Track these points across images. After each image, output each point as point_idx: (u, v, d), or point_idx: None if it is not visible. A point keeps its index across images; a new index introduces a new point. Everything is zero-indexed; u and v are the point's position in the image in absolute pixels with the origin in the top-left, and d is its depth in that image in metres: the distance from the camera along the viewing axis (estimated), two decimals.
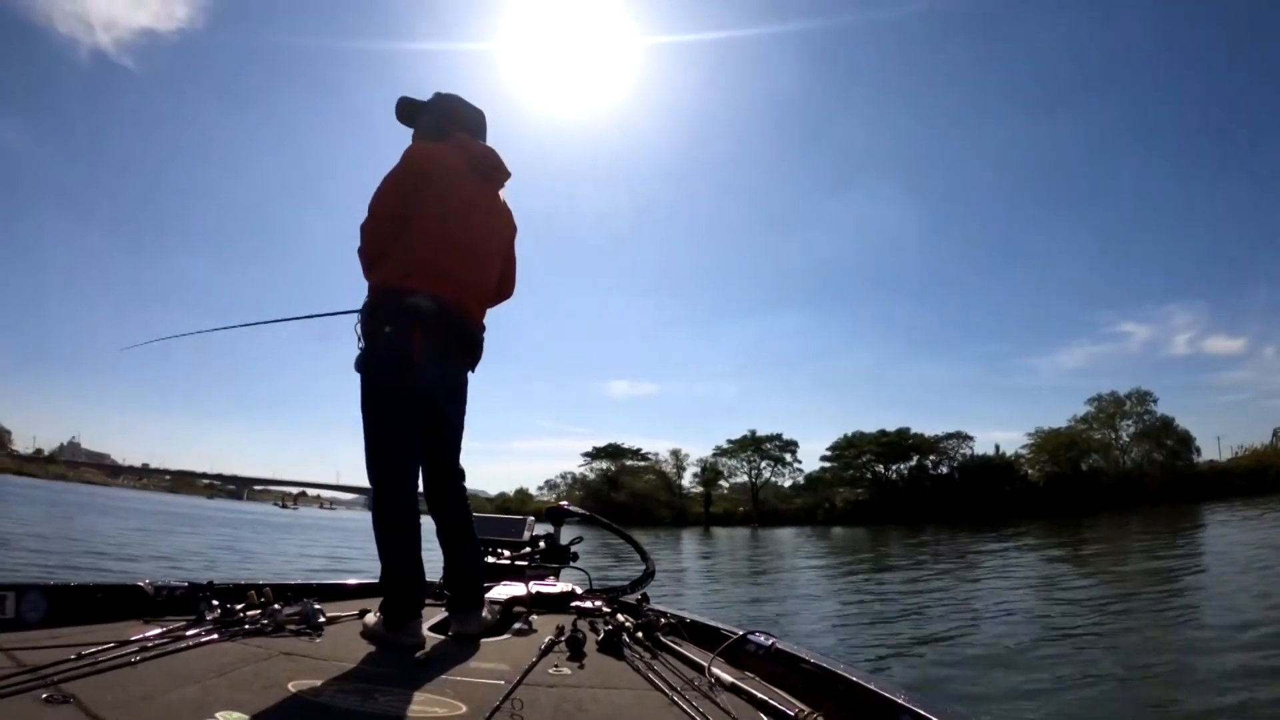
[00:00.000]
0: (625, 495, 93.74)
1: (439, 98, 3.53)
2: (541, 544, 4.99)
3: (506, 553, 4.93)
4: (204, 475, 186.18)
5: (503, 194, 3.61)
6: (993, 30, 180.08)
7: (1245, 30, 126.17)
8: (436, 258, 3.15)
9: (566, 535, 5.04)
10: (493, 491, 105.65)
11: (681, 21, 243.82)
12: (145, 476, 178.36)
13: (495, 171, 3.51)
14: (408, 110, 3.54)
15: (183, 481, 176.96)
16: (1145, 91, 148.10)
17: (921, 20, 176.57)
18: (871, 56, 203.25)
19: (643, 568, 4.72)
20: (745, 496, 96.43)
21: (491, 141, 3.61)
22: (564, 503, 5.14)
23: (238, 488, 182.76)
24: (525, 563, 4.79)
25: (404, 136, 3.53)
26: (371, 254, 3.26)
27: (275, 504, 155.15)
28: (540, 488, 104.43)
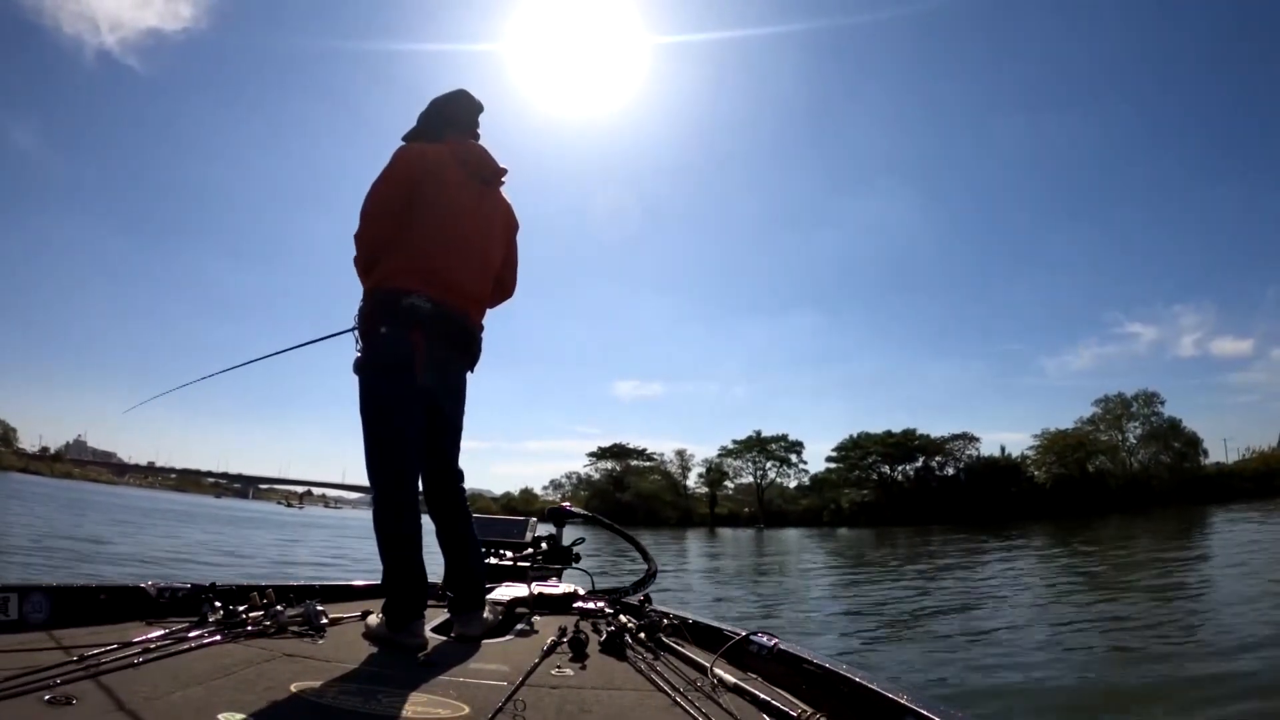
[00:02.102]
0: (630, 496, 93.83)
1: (431, 102, 3.54)
2: (544, 545, 5.00)
3: (509, 554, 4.94)
4: (210, 474, 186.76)
5: (504, 190, 3.61)
6: (1002, 31, 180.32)
7: (1257, 31, 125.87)
8: (431, 259, 3.15)
9: (568, 536, 5.04)
10: (498, 491, 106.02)
11: (689, 21, 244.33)
12: (151, 475, 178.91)
13: (487, 170, 3.49)
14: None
15: (188, 480, 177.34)
16: (1155, 91, 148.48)
17: (932, 19, 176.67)
18: (882, 55, 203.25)
19: (645, 568, 4.72)
20: (750, 497, 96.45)
21: (498, 142, 3.59)
22: (566, 504, 5.14)
23: (243, 486, 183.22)
24: (527, 564, 4.80)
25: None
26: (367, 261, 3.26)
27: (280, 503, 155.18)
28: (545, 487, 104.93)
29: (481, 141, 3.58)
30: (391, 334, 3.05)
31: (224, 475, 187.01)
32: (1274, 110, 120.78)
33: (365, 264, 3.26)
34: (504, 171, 3.56)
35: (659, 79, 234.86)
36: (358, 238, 3.26)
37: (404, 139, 3.50)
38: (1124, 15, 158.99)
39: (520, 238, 3.71)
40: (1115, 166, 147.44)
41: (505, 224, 3.59)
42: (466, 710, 1.98)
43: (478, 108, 3.59)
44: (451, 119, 3.50)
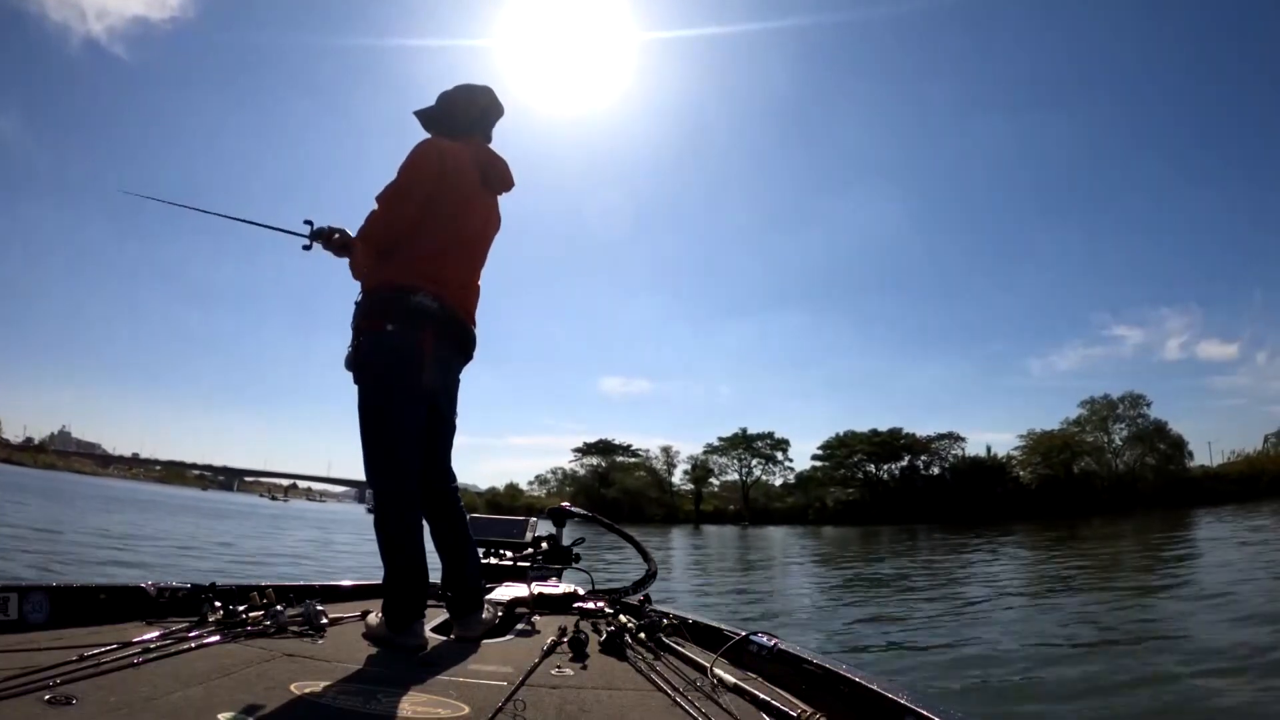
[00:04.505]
0: (616, 492, 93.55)
1: (456, 89, 3.51)
2: (544, 545, 5.00)
3: (509, 554, 4.94)
4: (194, 466, 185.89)
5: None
6: (990, 30, 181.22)
7: (1242, 34, 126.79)
8: (440, 259, 3.15)
9: (568, 536, 5.04)
10: (483, 486, 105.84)
11: (678, 17, 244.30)
12: (135, 467, 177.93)
13: (500, 181, 3.52)
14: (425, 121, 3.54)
15: (173, 472, 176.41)
16: (1141, 93, 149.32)
17: (919, 19, 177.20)
18: (869, 54, 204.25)
19: (645, 568, 4.72)
20: (736, 495, 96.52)
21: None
22: (566, 503, 5.13)
23: (228, 479, 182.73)
24: (527, 564, 4.80)
25: (396, 131, 3.50)
26: (384, 244, 3.15)
27: (263, 495, 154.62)
28: (531, 483, 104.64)
29: (493, 144, 3.59)
30: (400, 332, 3.03)
31: (209, 468, 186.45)
32: (1261, 111, 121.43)
33: (380, 249, 3.15)
34: (512, 186, 3.59)
35: (648, 75, 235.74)
36: (377, 220, 3.14)
37: (416, 115, 3.52)
38: (1110, 15, 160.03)
39: (508, 235, 3.72)
40: (1102, 167, 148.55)
41: (496, 228, 3.60)
42: (466, 710, 1.97)
43: (498, 111, 3.59)
44: (473, 118, 3.51)
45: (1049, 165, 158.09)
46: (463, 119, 3.47)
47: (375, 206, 3.16)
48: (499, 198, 3.60)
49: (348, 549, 24.45)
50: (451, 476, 3.43)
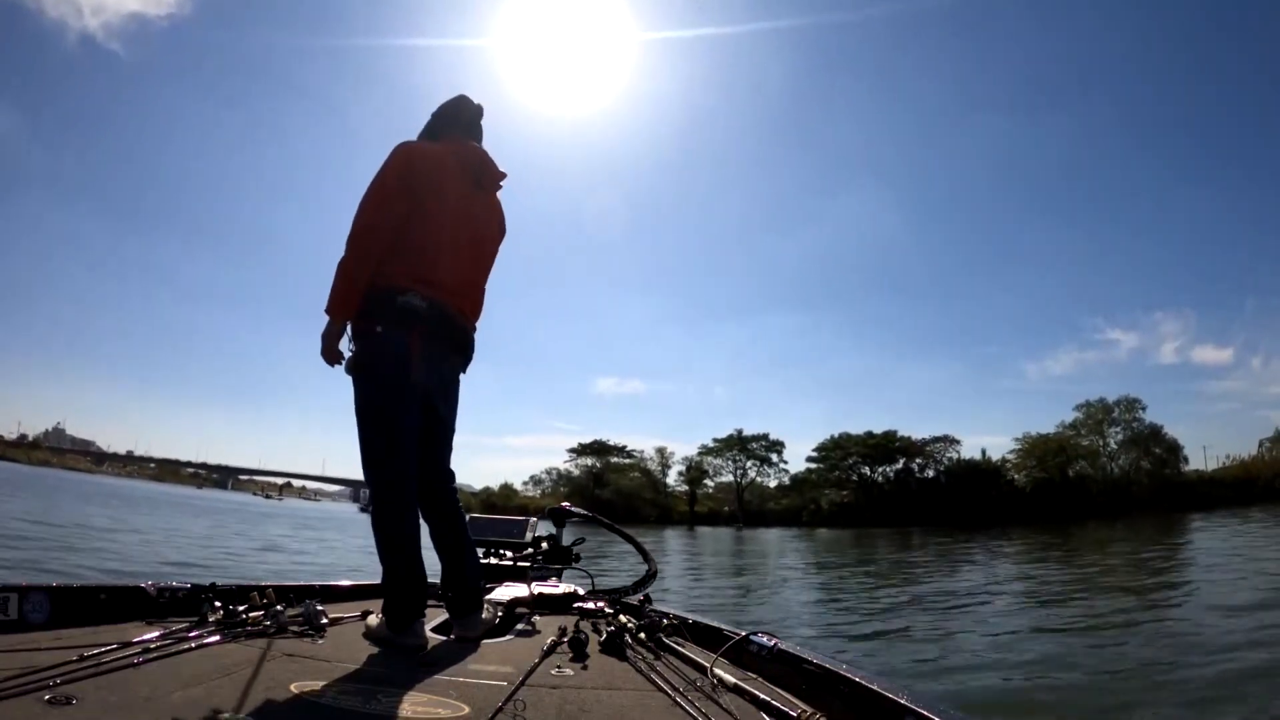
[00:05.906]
0: (610, 492, 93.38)
1: (437, 108, 3.51)
2: (544, 545, 5.00)
3: (509, 554, 4.93)
4: (189, 464, 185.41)
5: (499, 195, 3.59)
6: (986, 31, 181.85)
7: (1235, 38, 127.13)
8: (424, 259, 3.11)
9: (568, 536, 5.03)
10: (478, 486, 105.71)
11: (676, 17, 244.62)
12: (130, 464, 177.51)
13: (485, 174, 3.46)
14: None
15: (167, 470, 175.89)
16: (1136, 96, 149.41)
17: (917, 18, 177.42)
18: (868, 54, 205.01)
19: (645, 568, 4.72)
20: (730, 496, 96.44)
21: (485, 137, 3.58)
22: (565, 504, 5.11)
23: (222, 477, 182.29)
24: (527, 564, 4.80)
25: (392, 132, 3.47)
26: (370, 258, 3.03)
27: (256, 494, 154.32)
28: (526, 483, 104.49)
29: (483, 144, 3.55)
30: (388, 333, 3.01)
31: (203, 466, 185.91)
32: (1259, 113, 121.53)
33: (369, 263, 3.03)
34: (502, 176, 3.53)
35: (646, 76, 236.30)
36: (358, 236, 3.03)
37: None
38: (1106, 16, 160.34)
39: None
40: (1097, 169, 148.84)
41: (499, 228, 3.57)
42: (466, 710, 1.98)
43: (478, 110, 3.55)
44: (452, 120, 3.47)
45: (1044, 166, 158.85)
46: (441, 125, 3.45)
47: (358, 212, 3.07)
48: (499, 195, 3.57)
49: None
50: (450, 477, 3.43)
